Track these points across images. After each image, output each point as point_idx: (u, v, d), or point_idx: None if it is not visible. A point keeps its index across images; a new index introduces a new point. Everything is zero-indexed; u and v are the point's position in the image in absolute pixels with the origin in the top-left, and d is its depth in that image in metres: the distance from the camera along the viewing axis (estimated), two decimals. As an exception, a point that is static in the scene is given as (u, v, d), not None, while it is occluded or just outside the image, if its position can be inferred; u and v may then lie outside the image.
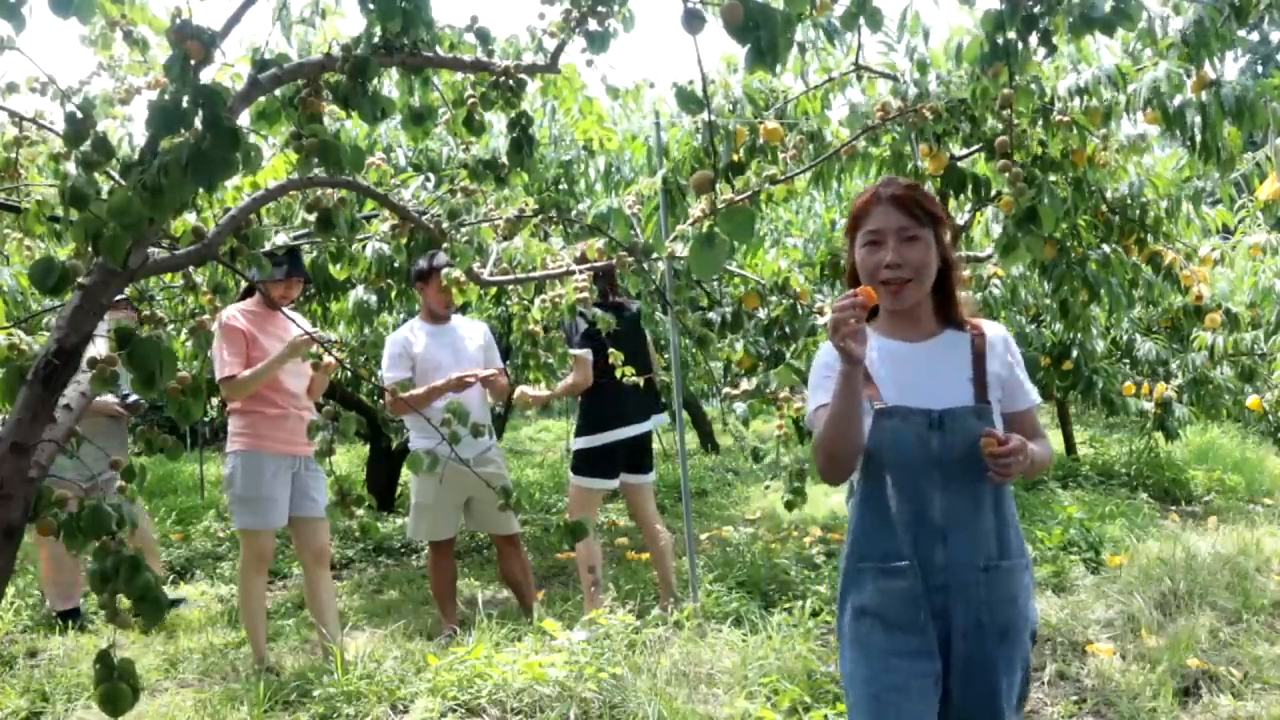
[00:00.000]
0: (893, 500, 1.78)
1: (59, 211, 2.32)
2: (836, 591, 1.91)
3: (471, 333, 4.16)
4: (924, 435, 1.75)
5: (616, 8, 2.05)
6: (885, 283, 1.77)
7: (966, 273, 4.21)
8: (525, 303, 3.34)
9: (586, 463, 4.16)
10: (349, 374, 4.56)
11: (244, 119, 1.81)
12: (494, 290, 3.70)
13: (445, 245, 2.55)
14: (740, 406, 3.68)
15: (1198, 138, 3.17)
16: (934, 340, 1.86)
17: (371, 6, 1.78)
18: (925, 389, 1.79)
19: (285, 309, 3.48)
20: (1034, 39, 2.68)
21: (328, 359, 2.58)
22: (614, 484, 4.25)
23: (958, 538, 1.75)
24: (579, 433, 4.21)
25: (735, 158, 3.71)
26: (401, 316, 6.35)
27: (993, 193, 3.81)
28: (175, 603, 4.55)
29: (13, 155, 2.49)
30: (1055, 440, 8.09)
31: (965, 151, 3.81)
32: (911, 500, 1.77)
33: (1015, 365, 1.88)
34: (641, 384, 3.88)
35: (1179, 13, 3.06)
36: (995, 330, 1.90)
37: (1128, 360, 6.90)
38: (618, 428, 4.14)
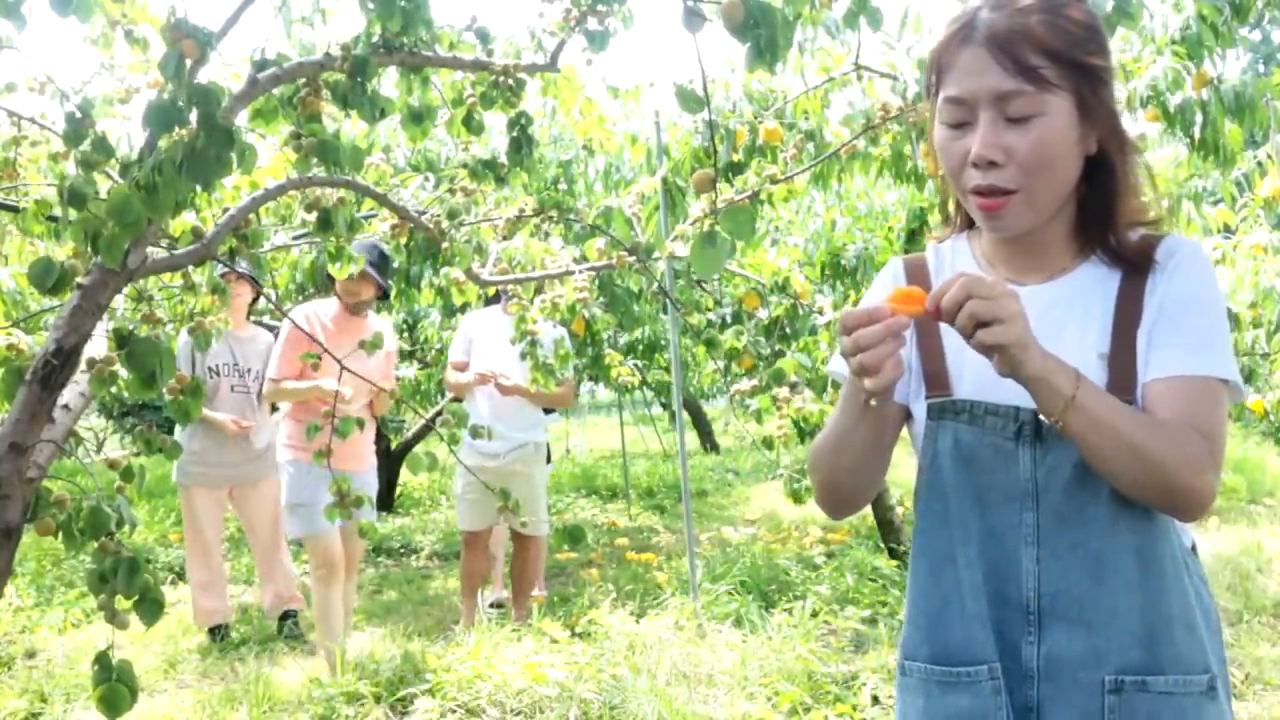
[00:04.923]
0: (957, 558, 1.08)
1: (58, 211, 2.32)
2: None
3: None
4: (1008, 450, 1.05)
5: (616, 6, 2.05)
6: (976, 192, 1.04)
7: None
8: (525, 303, 3.34)
9: None
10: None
11: (242, 118, 1.81)
12: (493, 290, 3.70)
13: (444, 245, 2.54)
14: (753, 402, 3.69)
15: (1198, 135, 3.16)
16: (1059, 281, 1.09)
17: (371, 5, 1.78)
18: None
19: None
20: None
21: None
22: None
23: (1062, 627, 1.03)
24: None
25: (735, 158, 3.71)
26: (401, 316, 6.35)
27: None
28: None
29: (12, 155, 2.48)
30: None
31: (965, 151, 3.80)
32: (985, 560, 1.06)
33: (1180, 305, 1.04)
34: None
35: (1179, 10, 3.06)
36: (1178, 249, 1.07)
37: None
38: None
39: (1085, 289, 1.08)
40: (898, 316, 0.96)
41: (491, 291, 3.74)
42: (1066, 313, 1.07)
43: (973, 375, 1.09)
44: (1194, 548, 1.12)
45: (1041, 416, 1.01)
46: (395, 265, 3.74)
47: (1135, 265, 1.07)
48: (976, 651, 1.06)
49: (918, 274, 1.19)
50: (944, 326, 1.06)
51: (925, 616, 1.11)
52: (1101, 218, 1.08)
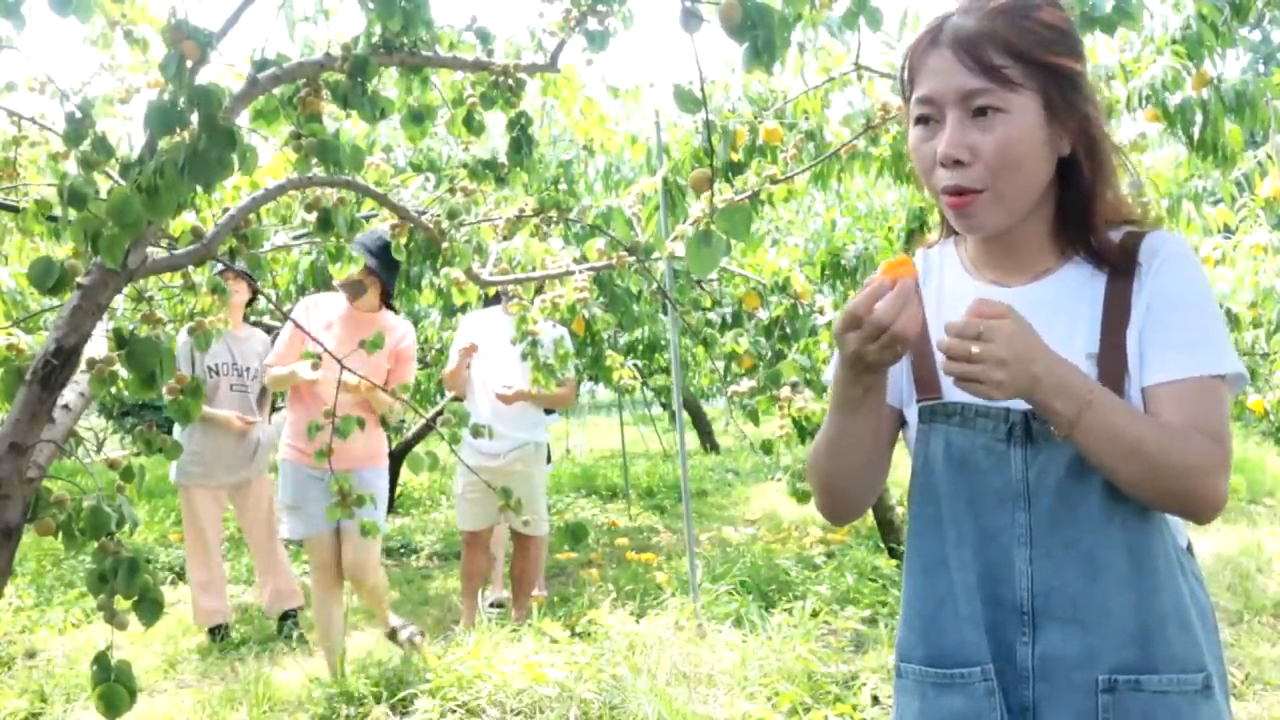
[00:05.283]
0: (951, 561, 1.09)
1: (58, 211, 2.32)
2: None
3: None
4: (999, 452, 1.06)
5: (616, 6, 2.05)
6: (944, 192, 1.05)
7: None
8: (525, 303, 3.34)
9: None
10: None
11: (243, 118, 1.81)
12: (493, 290, 3.71)
13: (444, 245, 2.54)
14: (749, 403, 3.69)
15: (1198, 135, 3.16)
16: (1043, 282, 1.09)
17: (371, 5, 1.78)
18: None
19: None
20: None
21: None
22: None
23: (1056, 627, 1.04)
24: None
25: (734, 158, 3.71)
26: (401, 316, 6.36)
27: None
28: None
29: (12, 155, 2.48)
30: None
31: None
32: (979, 561, 1.07)
33: (1170, 305, 1.03)
34: None
35: (1179, 10, 3.06)
36: (1161, 248, 1.06)
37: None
38: None
39: (1070, 289, 1.08)
40: (904, 279, 0.96)
41: (492, 292, 3.74)
42: (1052, 314, 1.06)
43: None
44: (1189, 547, 1.12)
45: (1034, 421, 1.03)
46: (398, 262, 3.66)
47: (1119, 265, 1.06)
48: (970, 653, 1.06)
49: None
50: (932, 330, 1.11)
51: (920, 619, 1.11)
52: (1079, 219, 1.08)
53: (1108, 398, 0.98)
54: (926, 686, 1.09)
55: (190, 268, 2.12)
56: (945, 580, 1.09)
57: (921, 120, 1.06)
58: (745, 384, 3.53)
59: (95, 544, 1.53)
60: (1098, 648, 1.02)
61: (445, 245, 2.51)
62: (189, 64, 1.41)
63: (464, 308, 4.70)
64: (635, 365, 7.15)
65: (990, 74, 1.00)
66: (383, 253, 3.44)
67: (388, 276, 3.56)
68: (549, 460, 4.93)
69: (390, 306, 3.72)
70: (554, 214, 2.97)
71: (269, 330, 5.02)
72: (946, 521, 1.09)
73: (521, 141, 2.30)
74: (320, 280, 4.44)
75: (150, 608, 1.52)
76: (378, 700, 3.09)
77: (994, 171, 1.01)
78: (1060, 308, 1.07)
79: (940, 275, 1.18)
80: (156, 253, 1.86)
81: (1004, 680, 1.05)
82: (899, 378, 1.16)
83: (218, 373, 4.22)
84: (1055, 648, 1.04)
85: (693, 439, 12.19)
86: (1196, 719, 1.02)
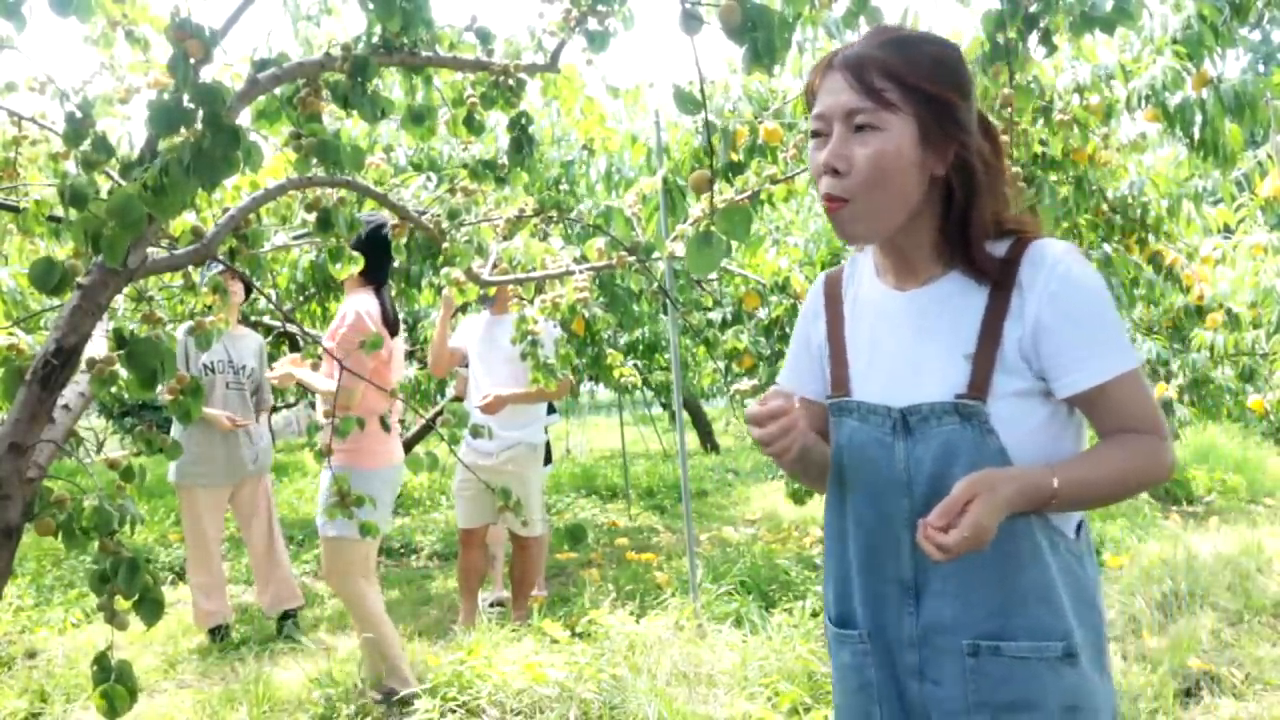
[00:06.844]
0: (849, 538, 1.26)
1: (58, 211, 2.32)
2: None
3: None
4: (887, 444, 1.19)
5: (616, 7, 2.05)
6: (823, 198, 1.16)
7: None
8: (525, 302, 3.34)
9: None
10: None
11: (244, 118, 1.81)
12: (492, 289, 3.71)
13: (444, 245, 2.54)
14: (750, 402, 3.68)
15: (1198, 135, 3.16)
16: (929, 288, 1.21)
17: (371, 5, 1.78)
18: (898, 370, 1.20)
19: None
20: (1034, 38, 2.68)
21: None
22: None
23: (935, 600, 1.18)
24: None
25: (735, 158, 3.71)
26: (401, 316, 6.35)
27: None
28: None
29: (12, 155, 2.49)
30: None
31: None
32: (870, 540, 1.23)
33: (1069, 316, 1.12)
34: None
35: (1178, 10, 3.06)
36: (1044, 260, 1.14)
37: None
38: None
39: (955, 294, 1.19)
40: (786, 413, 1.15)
41: (492, 292, 3.74)
42: (937, 317, 1.20)
43: (862, 378, 1.26)
44: (1080, 526, 1.22)
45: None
46: (384, 242, 3.41)
47: (998, 276, 1.16)
48: (857, 619, 1.26)
49: (834, 285, 1.35)
50: (849, 335, 1.29)
51: (833, 581, 1.30)
52: (955, 234, 1.19)
53: (1068, 473, 1.11)
54: (833, 642, 1.31)
55: (190, 267, 2.12)
56: (845, 555, 1.27)
57: (815, 134, 1.18)
58: (746, 383, 3.53)
59: (96, 544, 1.53)
60: (964, 618, 1.17)
61: (445, 245, 2.51)
62: (193, 62, 1.41)
63: (464, 308, 4.70)
64: (635, 365, 7.14)
65: (871, 94, 1.12)
66: (371, 233, 3.28)
67: (370, 255, 3.30)
68: (549, 461, 4.91)
69: (378, 288, 3.46)
70: (554, 214, 2.97)
71: (268, 331, 5.02)
72: (848, 504, 1.26)
73: (522, 141, 2.30)
74: (320, 280, 4.44)
75: (151, 607, 1.53)
76: (378, 700, 3.09)
77: (864, 183, 1.13)
78: (943, 312, 1.19)
79: (859, 280, 1.32)
80: (156, 253, 1.86)
81: (894, 645, 1.22)
82: (822, 373, 1.34)
83: (214, 370, 4.22)
84: (934, 616, 1.19)
85: (693, 439, 12.19)
86: (1057, 683, 1.14)
